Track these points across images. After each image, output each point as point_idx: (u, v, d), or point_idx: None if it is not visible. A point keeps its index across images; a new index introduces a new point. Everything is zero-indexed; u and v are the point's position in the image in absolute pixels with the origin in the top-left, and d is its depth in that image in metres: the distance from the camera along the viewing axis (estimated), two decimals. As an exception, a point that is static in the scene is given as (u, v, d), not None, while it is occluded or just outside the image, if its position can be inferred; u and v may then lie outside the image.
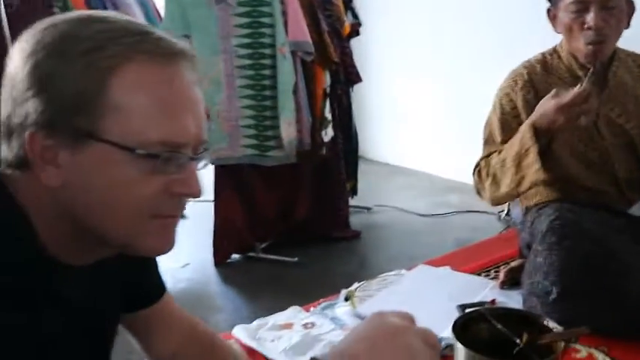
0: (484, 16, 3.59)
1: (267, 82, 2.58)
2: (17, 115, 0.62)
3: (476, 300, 1.56)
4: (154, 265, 0.92)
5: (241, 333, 1.47)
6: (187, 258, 2.80)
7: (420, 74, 4.16)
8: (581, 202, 1.53)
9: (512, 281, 1.64)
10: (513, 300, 1.55)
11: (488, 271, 1.81)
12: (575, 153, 1.56)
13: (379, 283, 1.75)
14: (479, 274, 1.79)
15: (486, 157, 1.60)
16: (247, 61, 2.54)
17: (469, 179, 3.80)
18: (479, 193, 1.64)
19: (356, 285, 1.75)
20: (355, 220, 3.18)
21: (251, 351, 1.41)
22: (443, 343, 1.24)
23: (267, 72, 2.57)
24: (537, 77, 1.60)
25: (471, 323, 1.14)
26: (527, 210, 1.63)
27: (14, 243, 0.63)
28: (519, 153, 1.45)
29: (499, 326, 1.10)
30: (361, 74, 3.04)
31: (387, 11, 4.28)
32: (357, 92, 3.48)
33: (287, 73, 2.52)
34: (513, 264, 1.68)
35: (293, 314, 1.58)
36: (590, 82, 1.36)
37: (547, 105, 1.40)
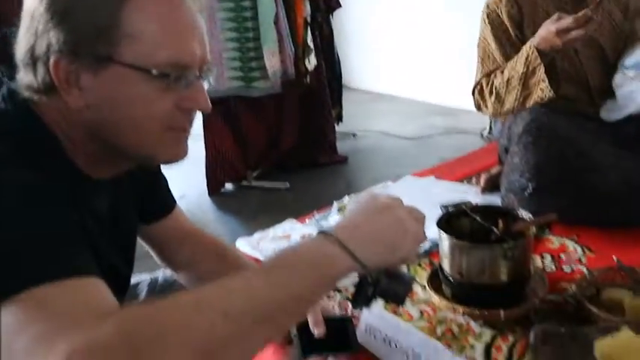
0: None
1: (248, 14, 2.60)
2: (40, 45, 0.68)
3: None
4: (164, 182, 1.02)
5: (244, 245, 1.58)
6: (182, 190, 2.90)
7: (399, 4, 4.16)
8: (556, 109, 1.63)
9: (492, 187, 1.76)
10: (493, 203, 1.67)
11: (471, 178, 1.93)
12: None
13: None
14: (462, 182, 1.91)
15: (487, 75, 1.67)
16: (227, -7, 2.56)
17: (453, 102, 3.91)
18: (479, 108, 1.72)
19: (347, 198, 1.87)
20: (342, 146, 3.28)
21: (255, 261, 1.52)
22: (428, 242, 1.37)
23: (247, 3, 2.59)
24: None
25: (454, 219, 1.26)
26: (506, 118, 1.73)
27: (47, 158, 0.69)
28: (526, 73, 1.53)
29: (478, 219, 1.22)
30: (341, 1, 3.06)
31: None
32: (338, 21, 3.49)
33: (267, 4, 2.54)
34: (493, 171, 1.79)
35: (290, 226, 1.70)
36: (592, 10, 1.41)
37: (548, 28, 1.46)
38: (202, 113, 0.76)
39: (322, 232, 0.67)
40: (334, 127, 3.15)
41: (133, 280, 1.02)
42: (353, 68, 4.60)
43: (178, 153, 0.77)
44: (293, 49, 2.71)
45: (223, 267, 1.04)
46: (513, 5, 1.66)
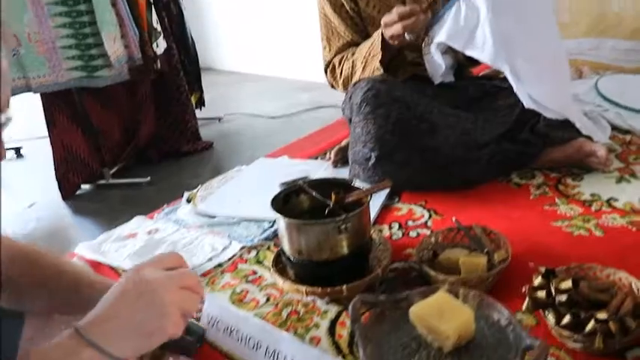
0: None
1: (80, -5, 2.39)
2: None
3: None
4: None
5: (84, 249, 1.45)
6: (32, 198, 2.66)
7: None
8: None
9: (343, 160, 1.73)
10: (346, 176, 1.65)
11: (325, 154, 1.90)
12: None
13: (220, 181, 1.78)
14: (316, 158, 1.88)
15: (338, 53, 1.66)
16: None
17: (317, 77, 3.89)
18: (332, 87, 1.74)
19: (199, 187, 1.78)
20: (206, 132, 3.16)
21: (97, 265, 1.40)
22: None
23: (77, -17, 2.37)
24: None
25: (293, 196, 1.22)
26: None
27: None
28: (367, 58, 1.53)
29: (314, 193, 1.18)
30: None
31: None
32: (195, 4, 3.32)
33: (100, -16, 2.35)
34: (343, 143, 1.78)
35: (137, 224, 1.58)
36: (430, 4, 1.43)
37: (388, 16, 1.45)
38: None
39: (76, 329, 0.67)
40: (195, 112, 3.02)
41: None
42: (216, 50, 4.46)
43: None
44: (137, 32, 2.54)
45: (37, 273, 0.95)
46: None
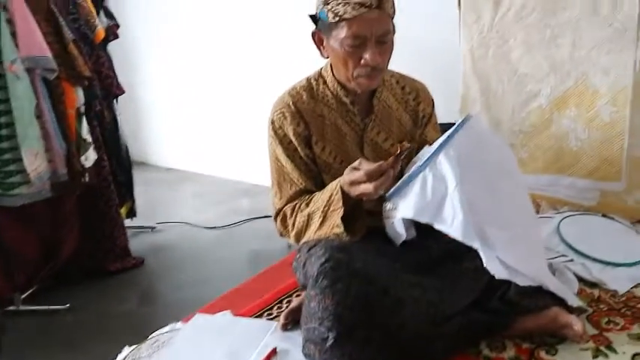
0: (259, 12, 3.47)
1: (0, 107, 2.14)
2: None
3: (258, 348, 1.46)
4: None
5: None
6: None
7: (198, 73, 3.93)
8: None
9: (293, 322, 1.55)
10: (296, 343, 1.45)
11: (271, 308, 1.69)
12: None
13: (150, 347, 1.53)
14: (261, 315, 1.67)
15: (289, 201, 1.53)
16: (-32, 83, 2.07)
17: (259, 180, 3.74)
18: (281, 235, 1.59)
19: (126, 351, 1.52)
20: (137, 244, 2.88)
21: None
22: None
23: (-3, 95, 2.13)
24: (304, 106, 1.53)
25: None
26: (300, 249, 1.55)
27: None
28: (325, 211, 1.42)
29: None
30: (133, 76, 2.73)
31: (153, 5, 3.94)
32: (132, 95, 3.14)
33: (23, 96, 2.11)
34: (293, 305, 1.59)
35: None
36: (397, 158, 1.31)
37: (344, 177, 1.36)
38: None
39: None
40: (124, 227, 2.75)
41: None
42: (153, 144, 4.25)
43: None
44: (64, 145, 2.29)
45: None
46: (299, 123, 1.52)
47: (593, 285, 1.83)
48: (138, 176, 3.04)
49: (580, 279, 1.83)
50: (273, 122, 1.54)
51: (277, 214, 1.57)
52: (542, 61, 2.22)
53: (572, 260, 1.92)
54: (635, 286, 1.82)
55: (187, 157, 4.21)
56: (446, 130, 1.42)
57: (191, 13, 3.78)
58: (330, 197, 1.41)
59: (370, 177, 1.29)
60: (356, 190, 1.32)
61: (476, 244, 1.30)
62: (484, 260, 1.31)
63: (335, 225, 1.40)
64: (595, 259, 1.90)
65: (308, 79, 1.58)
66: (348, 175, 1.34)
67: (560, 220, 2.09)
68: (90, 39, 2.54)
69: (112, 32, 2.75)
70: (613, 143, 2.14)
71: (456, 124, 1.35)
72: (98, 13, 2.66)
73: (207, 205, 3.53)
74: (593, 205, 2.26)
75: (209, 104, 3.95)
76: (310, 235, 1.47)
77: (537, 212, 2.25)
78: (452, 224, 1.29)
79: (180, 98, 4.11)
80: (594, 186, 2.23)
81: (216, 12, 3.65)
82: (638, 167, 2.16)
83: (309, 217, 1.47)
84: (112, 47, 2.79)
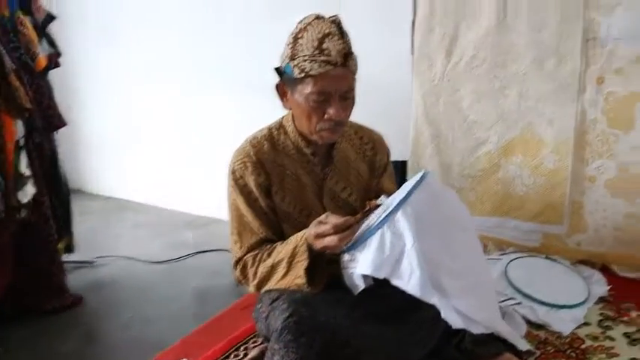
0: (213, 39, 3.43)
1: None
2: None
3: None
4: None
5: None
6: None
7: (138, 100, 3.82)
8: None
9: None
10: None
11: (228, 357, 1.65)
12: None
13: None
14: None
15: (250, 250, 1.52)
16: None
17: (203, 212, 3.66)
18: (240, 283, 1.57)
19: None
20: (76, 280, 2.73)
21: None
22: None
23: None
24: (265, 156, 1.53)
25: None
26: (261, 299, 1.53)
27: None
28: (289, 262, 1.41)
29: None
30: (71, 101, 2.60)
31: (98, 33, 3.83)
32: (69, 118, 3.01)
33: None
34: (252, 355, 1.55)
35: None
36: (365, 215, 1.33)
37: (310, 230, 1.36)
38: None
39: None
40: (62, 263, 2.61)
41: None
42: (94, 172, 4.08)
43: None
44: (1, 181, 2.16)
45: None
46: (260, 173, 1.51)
47: (540, 327, 1.92)
48: (75, 205, 2.90)
49: (527, 321, 1.91)
50: (234, 172, 1.52)
51: (237, 262, 1.55)
52: (491, 110, 2.32)
53: (520, 303, 2.00)
54: (578, 327, 1.91)
55: (127, 185, 4.06)
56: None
57: (126, 44, 3.72)
58: (295, 249, 1.41)
59: (337, 230, 1.30)
60: (321, 243, 1.33)
61: (433, 300, 1.32)
62: (442, 311, 1.34)
63: (298, 276, 1.40)
64: (541, 302, 1.98)
65: (269, 129, 1.58)
66: (314, 228, 1.35)
67: (507, 264, 2.17)
68: (30, 68, 2.42)
69: (54, 61, 2.65)
70: (556, 189, 2.25)
71: (414, 182, 1.38)
72: (40, 42, 2.55)
73: (150, 238, 3.41)
74: (536, 246, 2.36)
75: (150, 131, 3.85)
76: (272, 285, 1.47)
77: (484, 253, 2.31)
78: (409, 281, 1.30)
79: (119, 124, 3.98)
80: (538, 229, 2.33)
81: (150, 45, 3.60)
82: (578, 212, 2.28)
83: (272, 268, 1.46)
84: (52, 76, 2.68)
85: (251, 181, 1.50)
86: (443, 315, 1.34)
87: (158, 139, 3.83)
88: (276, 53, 1.50)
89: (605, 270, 2.29)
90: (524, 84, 2.24)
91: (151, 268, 3.00)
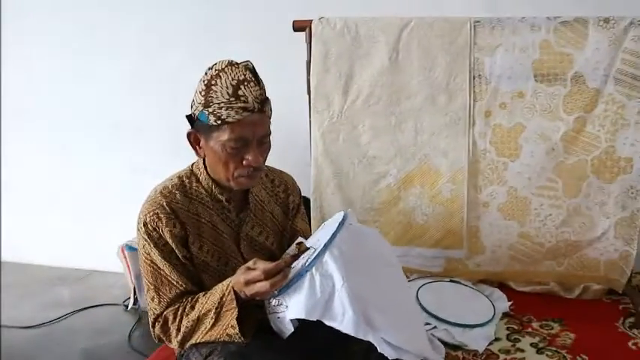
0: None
1: None
2: None
3: None
4: None
5: None
6: None
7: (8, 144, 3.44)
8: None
9: None
10: None
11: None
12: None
13: None
14: None
15: (171, 305, 1.44)
16: None
17: (79, 264, 3.38)
18: (160, 341, 1.47)
19: None
20: None
21: None
22: None
23: None
24: (179, 206, 1.47)
25: None
26: (186, 355, 1.46)
27: None
28: (217, 312, 1.37)
29: None
30: None
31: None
32: None
33: None
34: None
35: None
36: (294, 259, 1.34)
37: (238, 277, 1.33)
38: None
39: None
40: None
41: None
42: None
43: None
44: None
45: None
46: (175, 224, 1.45)
47: (457, 347, 2.02)
48: None
49: (444, 343, 2.00)
50: (146, 224, 1.44)
51: (156, 319, 1.46)
52: (389, 145, 2.42)
53: (435, 327, 2.09)
54: (491, 344, 2.06)
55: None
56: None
57: None
58: (222, 298, 1.37)
59: (268, 276, 1.29)
60: (252, 289, 1.31)
61: (369, 337, 1.34)
62: (376, 345, 1.36)
63: (229, 325, 1.36)
64: (454, 324, 2.09)
65: (179, 177, 1.53)
66: (243, 275, 1.32)
67: (417, 290, 2.26)
68: None
69: None
70: (454, 216, 2.41)
71: (336, 223, 1.40)
72: None
73: (18, 299, 3.03)
74: (440, 271, 2.49)
75: (11, 181, 3.47)
76: (198, 338, 1.40)
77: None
78: (342, 320, 1.31)
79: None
80: (440, 254, 2.46)
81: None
82: (476, 235, 2.45)
83: (199, 320, 1.41)
84: None
85: (166, 233, 1.43)
86: (379, 350, 1.37)
87: (20, 185, 3.45)
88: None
89: (502, 287, 2.49)
90: (419, 119, 2.37)
91: (24, 334, 2.67)
